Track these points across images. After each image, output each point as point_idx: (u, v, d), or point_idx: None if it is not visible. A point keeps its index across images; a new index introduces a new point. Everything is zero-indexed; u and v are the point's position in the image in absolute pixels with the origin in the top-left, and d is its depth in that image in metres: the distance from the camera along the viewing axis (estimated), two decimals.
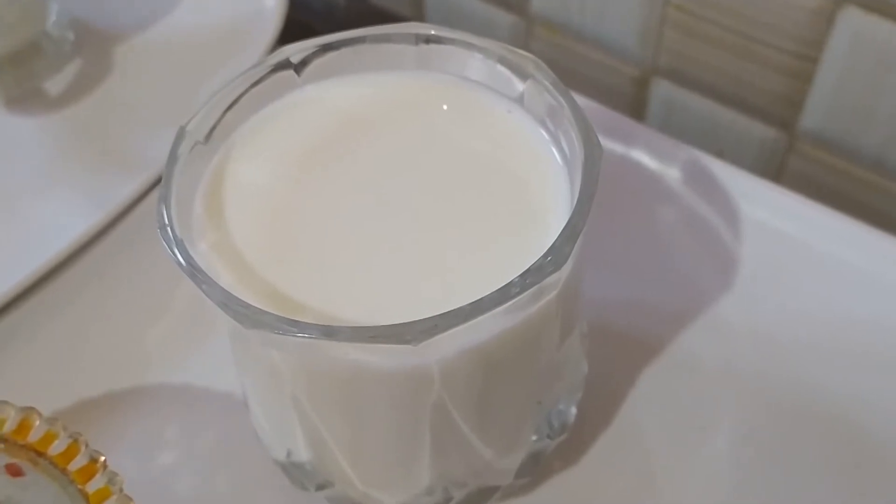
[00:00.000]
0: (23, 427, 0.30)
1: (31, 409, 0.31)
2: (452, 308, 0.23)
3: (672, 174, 0.44)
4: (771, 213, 0.42)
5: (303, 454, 0.31)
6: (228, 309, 0.24)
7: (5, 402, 0.31)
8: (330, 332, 0.23)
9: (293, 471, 0.32)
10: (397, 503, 0.32)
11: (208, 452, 0.37)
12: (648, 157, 0.44)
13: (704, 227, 0.42)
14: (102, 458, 0.30)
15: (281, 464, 0.33)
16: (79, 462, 0.30)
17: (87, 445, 0.30)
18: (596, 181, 0.26)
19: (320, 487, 0.32)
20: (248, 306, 0.24)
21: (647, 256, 0.42)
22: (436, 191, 0.28)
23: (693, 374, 0.38)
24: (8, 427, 0.31)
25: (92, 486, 0.29)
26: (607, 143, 0.45)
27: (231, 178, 0.29)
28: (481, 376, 0.27)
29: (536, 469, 0.33)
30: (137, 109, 0.47)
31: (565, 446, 0.35)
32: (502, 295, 0.23)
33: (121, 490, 0.29)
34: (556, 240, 0.24)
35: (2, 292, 0.39)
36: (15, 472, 0.31)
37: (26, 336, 0.40)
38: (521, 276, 0.24)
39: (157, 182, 0.44)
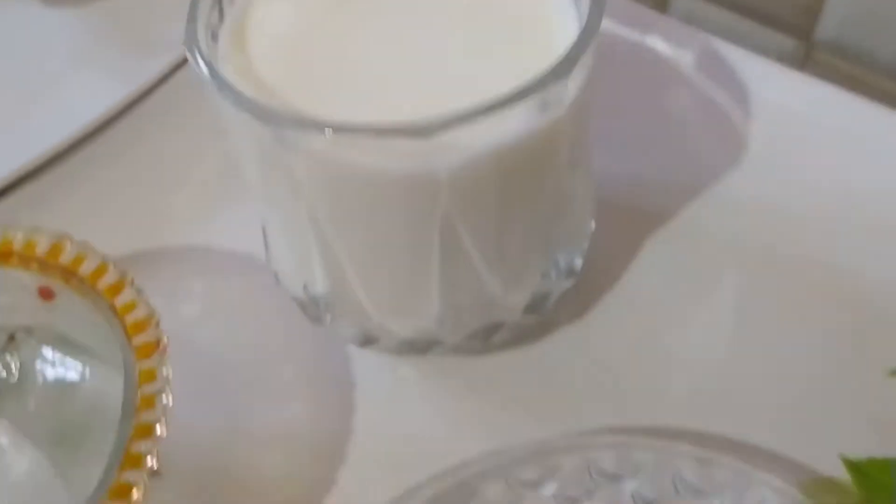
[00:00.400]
0: (55, 249, 0.32)
1: (64, 233, 0.33)
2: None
3: (687, 58, 0.45)
4: (782, 94, 0.43)
5: (319, 286, 0.33)
6: (253, 109, 0.26)
7: (37, 228, 0.33)
8: (348, 128, 0.25)
9: (310, 306, 0.34)
10: (409, 334, 0.33)
11: (231, 304, 0.38)
12: (666, 43, 0.45)
13: (716, 108, 0.43)
14: (130, 277, 0.31)
15: (299, 300, 0.34)
16: (108, 279, 0.31)
17: (115, 265, 0.32)
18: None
19: (335, 319, 0.34)
20: (270, 107, 0.26)
21: (658, 134, 0.43)
22: (450, 14, 0.30)
23: (699, 244, 0.39)
24: (41, 250, 0.32)
25: (120, 301, 0.31)
26: (626, 32, 0.46)
27: (254, 9, 0.31)
28: (490, 190, 0.28)
29: (543, 309, 0.34)
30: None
31: (571, 298, 0.36)
32: (514, 95, 0.25)
33: (147, 303, 0.31)
34: (569, 50, 0.26)
35: (37, 155, 0.41)
36: (47, 294, 0.33)
37: (59, 197, 0.42)
38: (534, 79, 0.25)
39: (183, 62, 0.46)
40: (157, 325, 0.30)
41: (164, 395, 0.29)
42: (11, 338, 0.34)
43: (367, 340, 0.34)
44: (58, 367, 0.33)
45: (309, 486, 0.34)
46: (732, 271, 0.39)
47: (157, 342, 0.30)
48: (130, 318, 0.30)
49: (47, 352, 0.33)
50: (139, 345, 0.30)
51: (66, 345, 0.33)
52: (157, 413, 0.28)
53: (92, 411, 0.32)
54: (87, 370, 0.33)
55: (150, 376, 0.29)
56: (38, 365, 0.33)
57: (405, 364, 0.37)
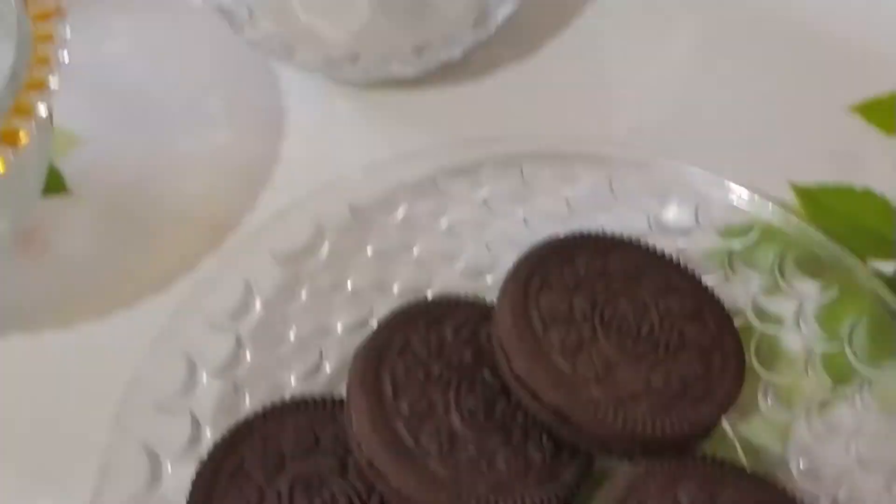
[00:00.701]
0: None
1: None
2: None
3: None
4: None
5: None
6: None
7: None
8: None
9: (236, 15, 0.32)
10: (339, 38, 0.31)
11: (156, 36, 0.36)
12: None
13: None
14: None
15: (220, 7, 0.32)
16: None
17: None
18: None
19: (259, 22, 0.31)
20: None
21: None
22: None
23: None
24: None
25: None
26: None
27: None
28: None
29: (483, 29, 0.32)
30: None
31: (512, 35, 0.34)
32: None
33: None
34: None
35: None
36: None
37: None
38: None
39: None
40: None
41: (60, 53, 0.26)
42: None
43: (288, 51, 0.32)
44: None
45: (230, 207, 0.32)
46: (687, 15, 0.36)
47: (56, 8, 0.27)
48: None
49: None
50: (36, 13, 0.28)
51: None
52: (52, 66, 0.26)
53: None
54: None
55: (46, 38, 0.27)
56: None
57: (339, 95, 0.35)
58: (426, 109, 0.34)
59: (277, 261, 0.28)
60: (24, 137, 0.25)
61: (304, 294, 0.28)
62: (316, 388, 0.27)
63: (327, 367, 0.28)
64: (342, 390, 0.25)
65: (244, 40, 0.33)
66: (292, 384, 0.27)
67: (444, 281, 0.29)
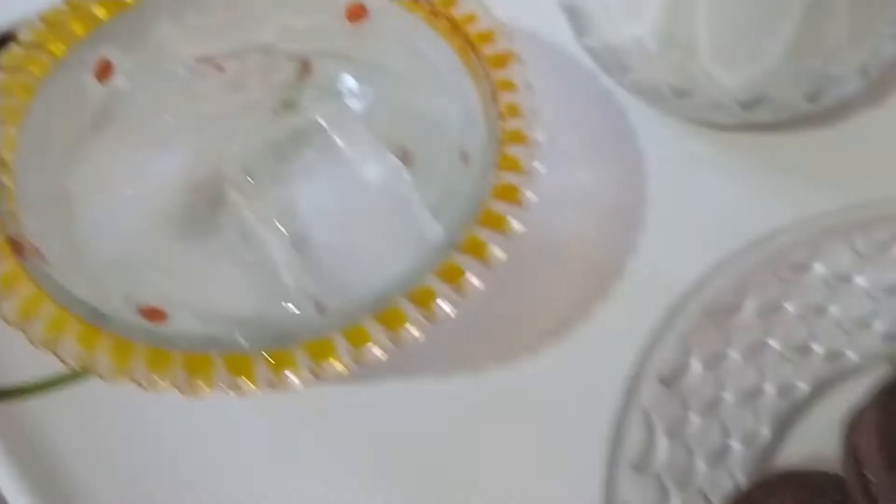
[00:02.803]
0: None
1: None
2: None
3: None
4: None
5: (645, 21, 0.30)
6: None
7: None
8: None
9: (620, 50, 0.31)
10: (738, 83, 0.30)
11: None
12: None
13: None
14: None
15: (602, 45, 0.32)
16: None
17: None
18: None
19: (648, 64, 0.31)
20: None
21: None
22: None
23: None
24: None
25: (458, 12, 0.28)
26: None
27: None
28: None
29: (868, 76, 0.32)
30: None
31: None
32: None
33: (489, 12, 0.28)
34: None
35: None
36: (357, 13, 0.30)
37: None
38: None
39: None
40: (507, 36, 0.27)
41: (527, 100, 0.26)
42: (306, 66, 0.31)
43: (680, 93, 0.32)
44: (360, 97, 0.30)
45: (606, 249, 0.32)
46: None
47: (509, 53, 0.27)
48: (472, 30, 0.28)
49: (348, 80, 0.30)
50: (489, 55, 0.27)
51: (374, 71, 0.30)
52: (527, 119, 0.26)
53: (414, 137, 0.29)
54: (401, 95, 0.30)
55: (508, 85, 0.26)
56: (343, 93, 0.30)
57: (694, 137, 0.34)
58: (785, 153, 0.34)
59: (709, 318, 0.28)
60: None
61: (734, 353, 0.28)
62: (755, 451, 0.27)
63: (764, 430, 0.28)
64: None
65: (620, 83, 0.33)
66: (732, 447, 0.27)
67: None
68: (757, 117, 0.32)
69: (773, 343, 0.29)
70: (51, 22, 0.28)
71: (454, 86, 0.28)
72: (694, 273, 0.30)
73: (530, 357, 0.30)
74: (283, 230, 0.27)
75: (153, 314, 0.27)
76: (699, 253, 0.30)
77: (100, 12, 0.28)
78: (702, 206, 0.33)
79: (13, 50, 0.27)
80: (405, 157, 0.28)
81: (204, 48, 0.31)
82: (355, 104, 0.30)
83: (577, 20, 0.33)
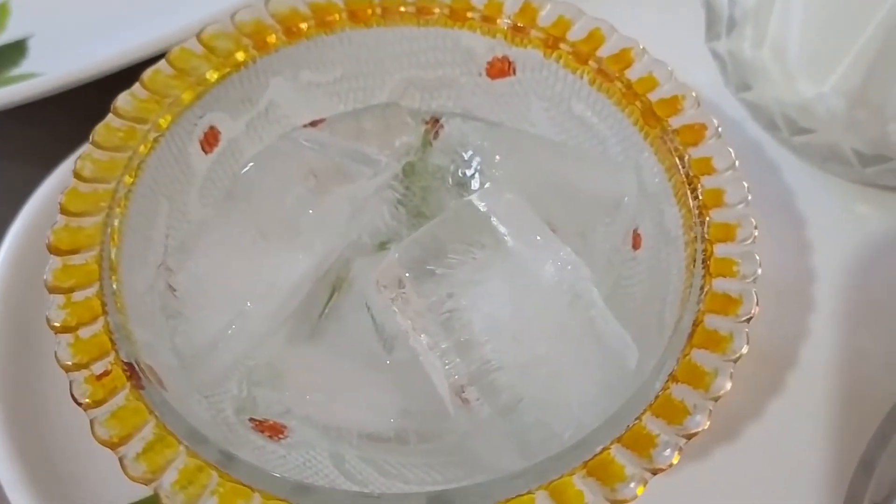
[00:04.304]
0: (527, 9, 0.25)
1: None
2: None
3: None
4: None
5: (843, 79, 0.26)
6: None
7: None
8: None
9: (800, 112, 0.27)
10: None
11: None
12: None
13: None
14: (639, 45, 0.24)
15: (778, 105, 0.28)
16: (610, 47, 0.24)
17: (614, 30, 0.24)
18: None
19: (839, 127, 0.27)
20: None
21: None
22: None
23: None
24: (509, 8, 0.25)
25: (635, 73, 0.24)
26: None
27: None
28: None
29: None
30: None
31: None
32: None
33: (674, 77, 0.24)
34: None
35: None
36: (501, 70, 0.26)
37: None
38: None
39: None
40: (697, 103, 0.23)
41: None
42: (435, 124, 0.26)
43: (872, 160, 0.27)
44: (498, 166, 0.26)
45: (776, 332, 0.28)
46: None
47: (704, 125, 0.23)
48: (654, 97, 0.23)
49: (485, 145, 0.26)
50: (678, 127, 0.23)
51: (515, 136, 0.26)
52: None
53: (564, 217, 0.25)
54: (549, 167, 0.26)
55: (706, 168, 0.22)
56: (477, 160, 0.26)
57: (863, 200, 0.30)
58: None
59: None
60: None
61: None
62: None
63: None
64: None
65: (783, 142, 0.29)
66: None
67: None
68: None
69: None
70: (153, 88, 0.23)
71: (624, 160, 0.24)
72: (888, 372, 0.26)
73: (700, 462, 0.26)
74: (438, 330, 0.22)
75: (271, 429, 0.23)
76: (888, 344, 0.27)
77: (210, 75, 0.24)
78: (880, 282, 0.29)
79: (111, 122, 0.23)
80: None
81: (317, 110, 0.26)
82: (490, 170, 0.26)
83: (737, 72, 0.29)
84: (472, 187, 0.26)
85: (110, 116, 0.23)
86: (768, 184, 0.31)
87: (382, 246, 0.26)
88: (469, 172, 0.26)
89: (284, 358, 0.24)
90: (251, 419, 0.23)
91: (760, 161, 0.31)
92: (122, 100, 0.23)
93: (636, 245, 0.24)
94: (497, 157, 0.26)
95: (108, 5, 0.34)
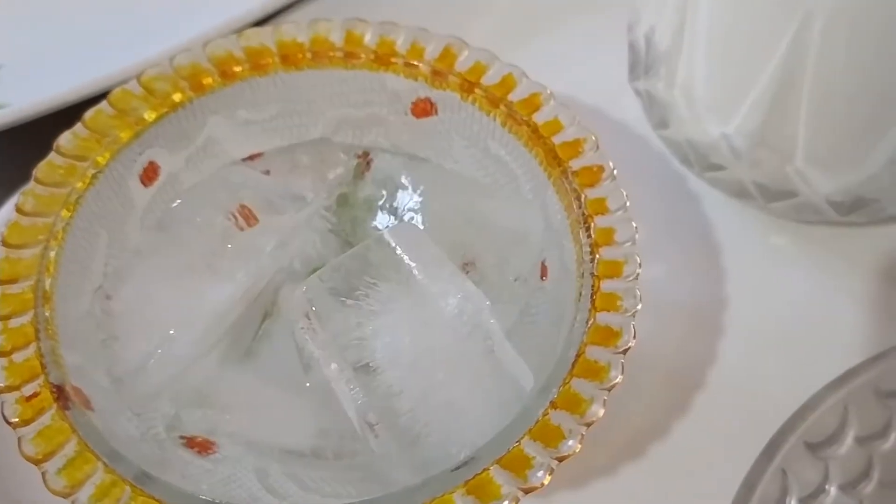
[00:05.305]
0: (447, 54, 0.27)
1: (455, 36, 0.27)
2: None
3: None
4: None
5: (742, 121, 0.27)
6: None
7: (425, 31, 0.27)
8: None
9: (713, 149, 0.29)
10: (836, 188, 0.28)
11: None
12: None
13: None
14: (547, 90, 0.26)
15: (688, 144, 0.29)
16: (520, 92, 0.26)
17: (525, 76, 0.26)
18: None
19: (742, 165, 0.28)
20: None
21: None
22: None
23: None
24: (430, 54, 0.27)
25: (541, 118, 0.26)
26: None
27: None
28: None
29: None
30: None
31: None
32: None
33: (577, 122, 0.26)
34: None
35: None
36: (424, 110, 0.28)
37: None
38: None
39: None
40: (597, 146, 0.25)
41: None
42: (365, 158, 0.28)
43: (769, 195, 0.29)
44: (421, 196, 0.28)
45: (686, 357, 0.30)
46: None
47: (601, 167, 0.24)
48: (557, 140, 0.25)
49: (408, 178, 0.28)
50: (577, 169, 0.25)
51: (437, 172, 0.28)
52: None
53: (479, 249, 0.26)
54: (466, 200, 0.28)
55: (601, 208, 0.24)
56: (402, 192, 0.28)
57: (776, 231, 0.32)
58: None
59: (811, 451, 0.26)
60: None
61: (832, 490, 0.26)
62: None
63: None
64: None
65: (699, 177, 0.31)
66: None
67: None
68: (852, 220, 0.30)
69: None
70: (94, 128, 0.25)
71: (532, 197, 0.26)
72: (786, 395, 0.27)
73: (603, 480, 0.28)
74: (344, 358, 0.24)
75: (200, 445, 0.25)
76: (790, 368, 0.28)
77: (148, 115, 0.26)
78: (787, 310, 0.31)
79: (53, 160, 0.25)
80: (471, 271, 0.26)
81: (254, 145, 0.28)
82: (414, 203, 0.28)
83: (655, 111, 0.30)
84: (397, 219, 0.28)
85: (52, 154, 0.25)
86: (688, 214, 0.33)
87: (314, 272, 0.27)
88: (394, 204, 0.28)
89: (213, 379, 0.25)
90: (181, 436, 0.25)
91: (681, 193, 0.33)
92: (64, 139, 0.25)
93: (544, 275, 0.26)
94: (420, 190, 0.28)
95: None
